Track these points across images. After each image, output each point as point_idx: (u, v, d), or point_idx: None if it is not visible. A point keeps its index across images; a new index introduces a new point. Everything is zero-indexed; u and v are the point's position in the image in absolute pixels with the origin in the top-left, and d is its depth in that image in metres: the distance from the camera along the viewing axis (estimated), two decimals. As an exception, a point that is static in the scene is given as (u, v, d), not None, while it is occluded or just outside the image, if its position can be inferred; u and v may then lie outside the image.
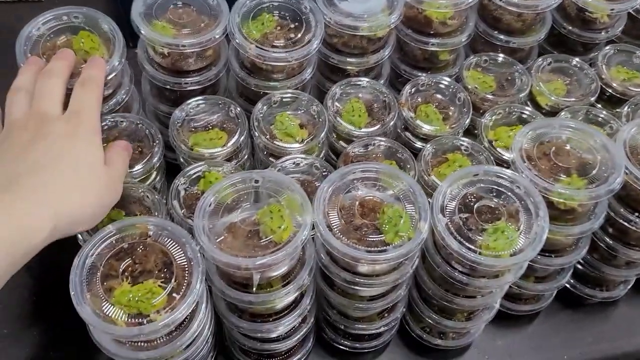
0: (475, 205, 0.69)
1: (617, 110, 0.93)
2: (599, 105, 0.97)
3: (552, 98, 0.92)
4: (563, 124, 0.77)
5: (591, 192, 0.70)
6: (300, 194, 0.68)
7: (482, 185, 0.71)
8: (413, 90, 0.91)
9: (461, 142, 0.85)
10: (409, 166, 0.83)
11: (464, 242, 0.66)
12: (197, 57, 0.85)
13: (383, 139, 0.85)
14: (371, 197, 0.70)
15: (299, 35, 0.84)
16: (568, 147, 0.76)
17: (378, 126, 0.87)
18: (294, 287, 0.70)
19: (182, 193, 0.78)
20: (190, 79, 0.86)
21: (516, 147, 0.74)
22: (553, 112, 0.93)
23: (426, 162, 0.83)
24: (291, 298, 0.73)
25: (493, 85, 0.93)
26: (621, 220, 0.78)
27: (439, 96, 0.92)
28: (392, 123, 0.87)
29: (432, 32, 0.93)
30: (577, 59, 0.96)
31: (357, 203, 0.69)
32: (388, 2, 0.88)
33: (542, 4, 0.90)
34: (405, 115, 0.88)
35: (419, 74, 0.98)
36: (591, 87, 0.94)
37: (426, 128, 0.87)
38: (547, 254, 0.81)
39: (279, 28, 0.85)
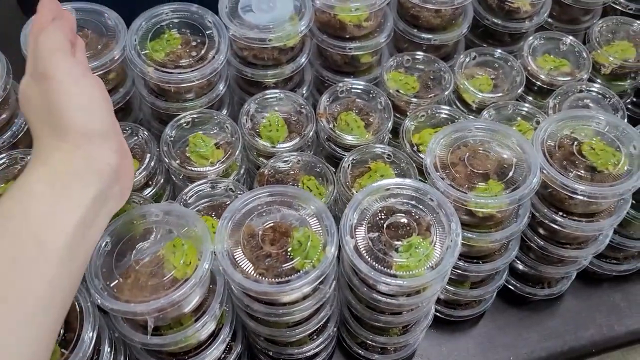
0: (386, 223, 0.66)
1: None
2: (530, 98, 0.95)
3: (479, 95, 0.89)
4: (478, 125, 0.74)
5: (506, 198, 0.67)
6: (201, 226, 0.64)
7: (393, 199, 0.68)
8: (332, 98, 0.88)
9: (382, 150, 0.82)
10: (328, 180, 0.80)
11: (375, 263, 0.63)
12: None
13: (300, 153, 0.82)
14: (279, 222, 0.66)
15: (203, 52, 0.80)
16: (484, 151, 0.73)
17: (297, 140, 0.83)
18: (208, 319, 0.67)
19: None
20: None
21: (429, 155, 0.71)
22: (481, 109, 0.90)
23: (345, 175, 0.80)
24: (208, 330, 0.70)
25: (416, 86, 0.90)
26: (546, 221, 0.76)
27: (360, 102, 0.88)
28: (311, 135, 0.84)
29: (348, 36, 0.89)
30: (500, 51, 0.93)
31: (264, 230, 0.66)
32: (296, 9, 0.84)
33: (457, -1, 0.87)
34: (324, 127, 0.85)
35: (344, 79, 0.95)
36: (517, 80, 0.91)
37: (347, 138, 0.84)
38: (475, 261, 0.78)
39: (183, 45, 0.81)
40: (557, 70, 0.93)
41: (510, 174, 0.70)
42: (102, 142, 0.54)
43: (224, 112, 0.91)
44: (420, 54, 0.92)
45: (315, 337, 0.79)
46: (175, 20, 0.81)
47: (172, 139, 0.81)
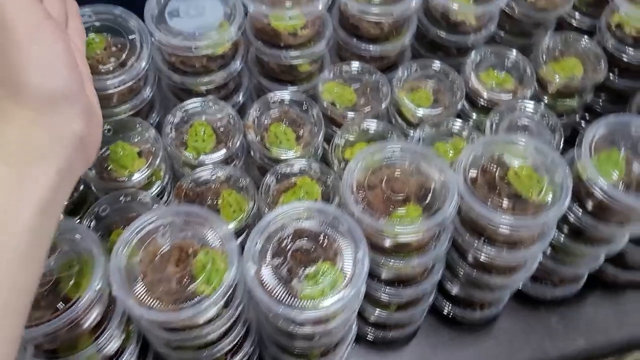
0: (292, 248, 0.63)
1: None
2: (474, 114, 0.92)
3: (418, 111, 0.86)
4: (402, 146, 0.72)
5: (422, 225, 0.65)
6: (94, 250, 0.62)
7: (303, 223, 0.65)
8: (262, 108, 0.85)
9: (309, 165, 0.80)
10: (249, 196, 0.78)
11: (278, 292, 0.61)
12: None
13: (223, 166, 0.79)
14: (183, 243, 0.64)
15: (123, 58, 0.77)
16: (405, 173, 0.70)
17: (223, 151, 0.80)
18: (105, 342, 0.65)
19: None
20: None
21: (347, 176, 0.69)
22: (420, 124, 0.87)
23: (267, 191, 0.77)
24: (110, 351, 0.68)
25: (353, 99, 0.87)
26: (468, 248, 0.74)
27: (293, 113, 0.85)
28: (237, 146, 0.81)
29: (283, 44, 0.86)
30: (439, 64, 0.90)
31: (166, 250, 0.63)
32: (226, 15, 0.81)
33: (396, 10, 0.84)
34: (251, 139, 0.82)
35: (282, 87, 0.92)
36: (457, 95, 0.88)
37: (275, 151, 0.81)
38: (396, 285, 0.76)
39: (104, 50, 0.78)
40: (500, 87, 0.90)
41: (429, 198, 0.68)
42: (66, 105, 0.47)
43: (155, 118, 0.89)
44: (357, 64, 0.89)
45: (230, 357, 0.77)
46: (97, 24, 0.78)
47: (91, 146, 0.78)
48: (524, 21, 0.96)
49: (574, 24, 1.01)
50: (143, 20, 0.79)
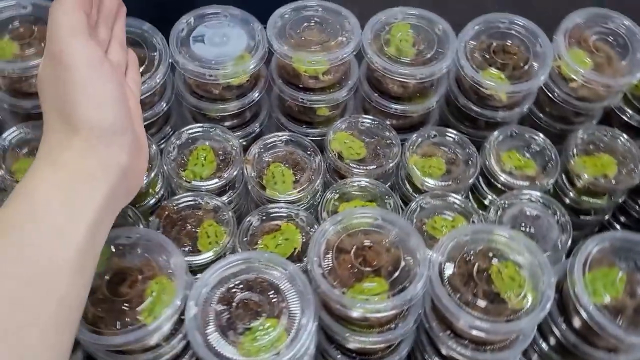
0: (239, 297, 0.62)
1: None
2: (488, 193, 0.87)
3: (427, 181, 0.83)
4: (388, 217, 0.68)
5: (382, 304, 0.62)
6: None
7: (265, 272, 0.64)
8: (267, 145, 0.84)
9: (296, 212, 0.78)
10: (229, 230, 0.77)
11: (216, 339, 0.59)
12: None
13: (211, 196, 0.79)
14: (142, 265, 0.64)
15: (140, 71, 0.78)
16: (378, 244, 0.67)
17: (215, 180, 0.80)
18: None
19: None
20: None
21: (318, 235, 0.66)
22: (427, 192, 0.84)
23: (247, 230, 0.76)
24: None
25: (362, 153, 0.85)
26: (434, 338, 0.69)
27: (297, 156, 0.84)
28: (232, 177, 0.81)
29: (302, 86, 0.85)
30: (459, 135, 0.86)
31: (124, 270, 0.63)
32: (248, 47, 0.81)
33: (422, 73, 0.81)
34: (247, 174, 0.81)
35: (298, 126, 0.91)
36: (470, 172, 0.84)
37: (269, 191, 0.80)
38: (358, 357, 0.73)
39: (127, 61, 0.80)
40: (520, 171, 0.85)
41: (398, 275, 0.64)
42: (114, 139, 0.52)
43: (169, 132, 0.90)
44: (373, 119, 0.87)
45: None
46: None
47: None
48: (564, 107, 0.90)
49: (624, 120, 0.94)
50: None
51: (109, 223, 0.53)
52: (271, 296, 0.62)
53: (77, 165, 0.50)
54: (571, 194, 0.89)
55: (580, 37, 0.87)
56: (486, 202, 0.88)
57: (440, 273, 0.65)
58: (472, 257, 0.67)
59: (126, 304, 0.61)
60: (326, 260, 0.65)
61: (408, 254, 0.66)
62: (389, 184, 0.88)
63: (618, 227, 1.02)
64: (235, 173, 0.81)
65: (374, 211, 0.69)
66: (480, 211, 0.83)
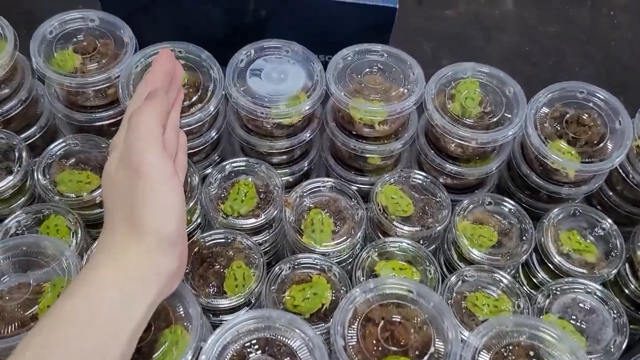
0: (252, 357, 0.58)
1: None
2: (541, 273, 0.80)
3: (473, 252, 0.77)
4: (423, 292, 0.63)
5: (400, 390, 0.57)
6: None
7: (273, 334, 0.60)
8: (310, 189, 0.81)
9: (330, 265, 0.74)
10: (257, 276, 0.74)
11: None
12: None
13: (244, 236, 0.76)
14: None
15: (193, 99, 0.77)
16: (409, 321, 0.62)
17: (252, 220, 0.78)
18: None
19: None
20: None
21: (344, 303, 0.62)
22: (473, 263, 0.78)
23: (275, 279, 0.73)
24: None
25: (409, 210, 0.80)
26: None
27: (341, 205, 0.80)
28: (272, 217, 0.78)
29: (355, 133, 0.81)
30: (514, 205, 0.80)
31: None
32: (305, 85, 0.79)
33: (483, 139, 0.76)
34: (287, 217, 0.78)
35: (347, 172, 0.88)
36: (523, 248, 0.77)
37: (306, 238, 0.77)
38: None
39: (188, 87, 0.78)
40: (579, 255, 0.78)
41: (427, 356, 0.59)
42: (170, 248, 0.56)
43: (216, 159, 0.89)
44: (424, 176, 0.82)
45: None
46: (182, 62, 0.79)
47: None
48: (638, 190, 0.82)
49: None
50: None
51: (149, 318, 0.55)
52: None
53: (136, 269, 0.53)
54: (632, 286, 0.81)
55: (666, 117, 0.79)
56: (535, 281, 0.81)
57: (472, 363, 0.59)
58: (510, 353, 0.61)
59: (137, 353, 0.59)
60: (351, 331, 0.61)
61: (439, 336, 0.61)
62: (433, 246, 0.83)
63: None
64: (274, 213, 0.78)
65: (410, 283, 0.64)
66: (528, 289, 0.76)
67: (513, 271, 0.81)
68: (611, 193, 0.87)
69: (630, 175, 0.81)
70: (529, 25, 1.31)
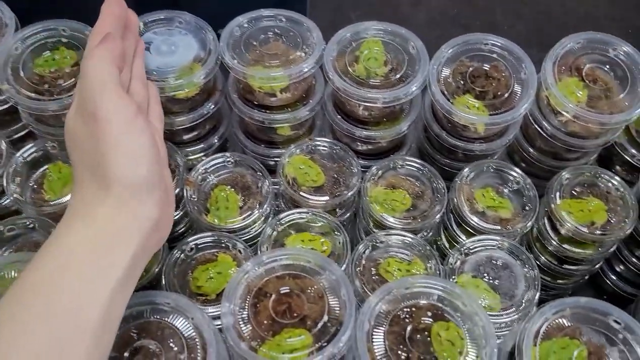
0: (135, 344, 0.55)
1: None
2: (457, 231, 0.78)
3: (387, 218, 0.74)
4: (320, 262, 0.60)
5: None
6: None
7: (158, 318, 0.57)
8: (215, 166, 0.77)
9: (235, 242, 0.71)
10: (157, 259, 0.70)
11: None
12: None
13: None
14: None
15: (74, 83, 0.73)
16: (305, 292, 0.59)
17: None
18: None
19: None
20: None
21: (236, 277, 0.59)
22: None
23: (176, 261, 0.70)
24: None
25: (319, 180, 0.77)
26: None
27: (247, 179, 0.77)
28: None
29: (257, 103, 0.78)
30: (426, 166, 0.78)
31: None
32: (198, 55, 0.74)
33: (385, 98, 0.73)
34: (187, 196, 0.75)
35: (257, 146, 0.84)
36: (435, 208, 0.75)
37: (210, 216, 0.74)
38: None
39: (72, 66, 0.74)
40: (493, 212, 0.76)
41: (322, 327, 0.57)
42: (146, 195, 0.51)
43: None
44: (330, 143, 0.79)
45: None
46: (64, 40, 0.75)
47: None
48: (554, 142, 0.80)
49: (626, 159, 0.84)
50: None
51: (138, 272, 0.52)
52: (172, 345, 0.55)
53: (110, 222, 0.49)
54: (554, 242, 0.79)
55: (573, 64, 0.77)
56: (455, 242, 0.79)
57: (369, 333, 0.57)
58: (408, 315, 0.58)
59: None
60: (242, 308, 0.58)
61: (338, 306, 0.58)
62: (348, 214, 0.80)
63: (613, 277, 0.91)
64: (177, 192, 0.75)
65: (307, 254, 0.62)
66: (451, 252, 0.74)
67: (430, 234, 0.79)
68: (531, 149, 0.85)
69: (545, 127, 0.79)
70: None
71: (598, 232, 0.74)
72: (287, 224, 0.74)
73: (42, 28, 0.74)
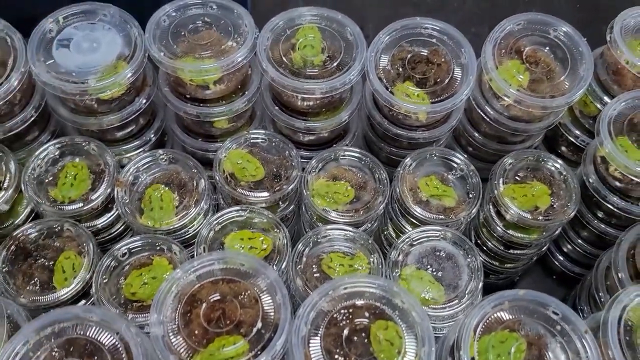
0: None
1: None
2: (403, 224, 0.77)
3: (329, 212, 0.72)
4: (253, 264, 0.58)
5: None
6: None
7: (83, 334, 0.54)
8: (147, 164, 0.74)
9: (170, 246, 0.68)
10: (88, 262, 0.67)
11: None
12: None
13: (70, 222, 0.69)
14: None
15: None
16: (234, 296, 0.57)
17: (80, 204, 0.71)
18: None
19: None
20: None
21: (160, 294, 0.56)
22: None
23: (108, 267, 0.67)
24: None
25: (258, 174, 0.74)
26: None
27: (182, 177, 0.74)
28: (106, 199, 0.71)
29: (189, 96, 0.74)
30: (367, 155, 0.75)
31: None
32: (122, 52, 0.70)
33: (322, 88, 0.70)
34: (120, 197, 0.71)
35: (193, 140, 0.81)
36: (378, 199, 0.73)
37: (144, 218, 0.70)
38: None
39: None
40: (437, 200, 0.74)
41: (257, 333, 0.55)
42: None
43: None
44: (267, 135, 0.76)
45: None
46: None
47: None
48: (497, 126, 0.79)
49: (570, 140, 0.84)
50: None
51: None
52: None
53: None
54: (499, 228, 0.78)
55: (514, 46, 0.75)
56: (402, 233, 0.78)
57: (306, 337, 0.55)
58: (346, 316, 0.57)
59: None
60: (171, 317, 0.56)
61: (272, 309, 0.56)
62: (291, 207, 0.78)
63: (561, 257, 0.91)
64: (108, 193, 0.71)
65: (240, 256, 0.59)
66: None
67: (375, 224, 0.78)
68: (476, 134, 0.84)
69: (487, 112, 0.77)
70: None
71: (541, 217, 0.74)
72: (225, 222, 0.71)
73: None
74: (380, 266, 0.68)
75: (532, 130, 0.79)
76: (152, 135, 0.82)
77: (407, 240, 0.70)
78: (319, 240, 0.70)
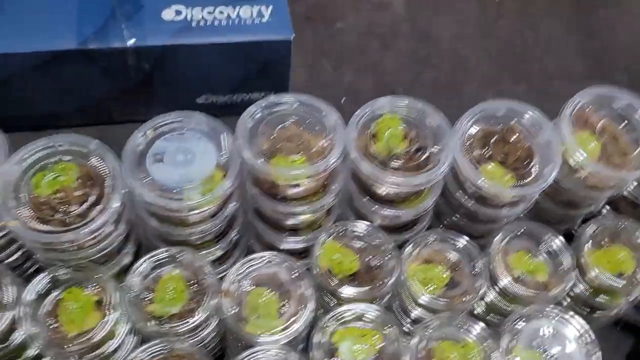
0: None
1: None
2: (499, 302, 0.77)
3: (422, 296, 0.73)
4: None
5: None
6: None
7: None
8: (249, 269, 0.72)
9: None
10: None
11: None
12: None
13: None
14: None
15: (93, 199, 0.66)
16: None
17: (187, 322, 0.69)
18: None
19: None
20: None
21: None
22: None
23: None
24: None
25: (354, 267, 0.73)
26: None
27: (282, 277, 0.72)
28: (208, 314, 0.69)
29: (280, 197, 0.74)
30: (466, 240, 0.77)
31: None
32: (218, 161, 0.69)
33: (415, 182, 0.71)
34: (224, 306, 0.69)
35: (280, 234, 0.80)
36: (477, 282, 0.74)
37: (251, 327, 0.69)
38: None
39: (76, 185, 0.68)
40: (530, 277, 0.76)
41: None
42: None
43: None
44: (360, 224, 0.76)
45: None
46: (66, 158, 0.68)
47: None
48: (570, 194, 0.81)
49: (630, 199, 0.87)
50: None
51: None
52: None
53: None
54: (586, 293, 0.80)
55: (586, 120, 0.79)
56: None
57: None
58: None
59: None
60: None
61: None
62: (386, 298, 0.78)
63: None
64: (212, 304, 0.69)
65: None
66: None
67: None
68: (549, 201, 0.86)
69: (561, 182, 0.80)
70: (421, 29, 1.28)
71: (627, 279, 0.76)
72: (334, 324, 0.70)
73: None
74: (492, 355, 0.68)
75: (602, 198, 0.83)
76: (233, 235, 0.81)
77: (511, 324, 0.71)
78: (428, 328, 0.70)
